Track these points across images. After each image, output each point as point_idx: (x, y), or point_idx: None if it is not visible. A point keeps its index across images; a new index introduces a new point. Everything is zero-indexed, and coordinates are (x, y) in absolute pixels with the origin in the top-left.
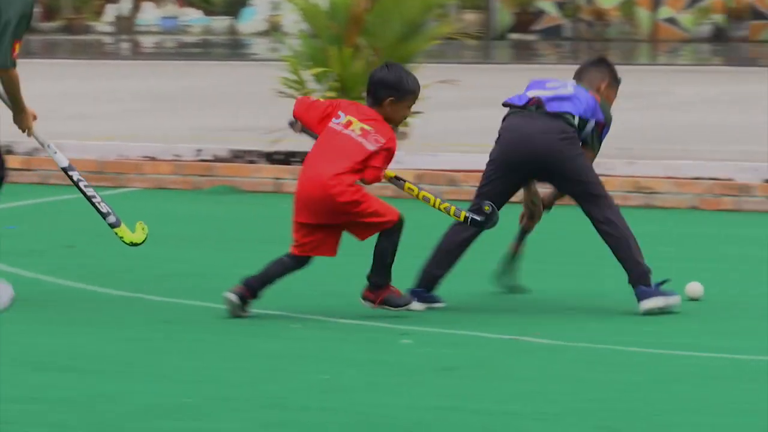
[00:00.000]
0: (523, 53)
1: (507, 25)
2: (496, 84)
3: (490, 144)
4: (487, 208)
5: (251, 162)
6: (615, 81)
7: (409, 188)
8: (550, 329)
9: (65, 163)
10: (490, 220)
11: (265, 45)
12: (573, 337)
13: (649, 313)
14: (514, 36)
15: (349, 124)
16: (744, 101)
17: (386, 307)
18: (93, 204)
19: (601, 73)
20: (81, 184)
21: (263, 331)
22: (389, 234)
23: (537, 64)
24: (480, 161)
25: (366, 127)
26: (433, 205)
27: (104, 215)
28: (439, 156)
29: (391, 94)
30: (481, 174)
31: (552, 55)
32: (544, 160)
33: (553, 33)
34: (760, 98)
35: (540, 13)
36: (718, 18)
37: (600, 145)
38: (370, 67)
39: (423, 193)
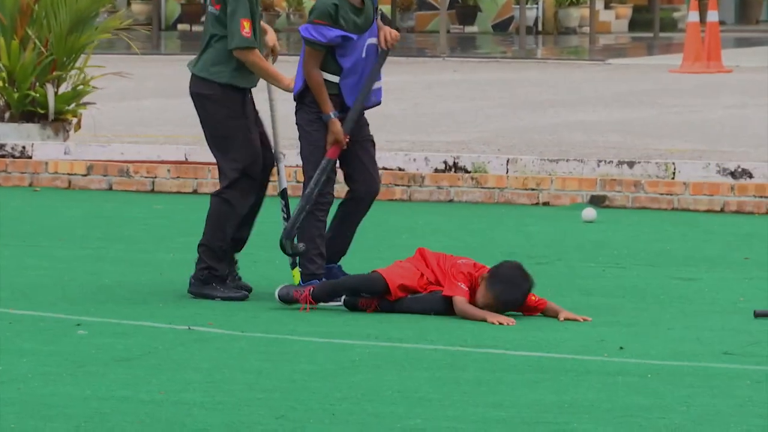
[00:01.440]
0: (192, 44)
1: (175, 15)
2: (164, 74)
3: (161, 134)
4: None
5: None
6: None
7: None
8: (223, 319)
9: (282, 186)
10: None
11: None
12: (246, 326)
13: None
14: (183, 26)
15: None
16: (406, 89)
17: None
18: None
19: None
20: (282, 215)
21: None
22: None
23: None
24: (150, 151)
25: None
26: None
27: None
28: (110, 147)
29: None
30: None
31: None
32: None
33: None
34: (431, 87)
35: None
36: (384, 8)
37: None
38: (40, 59)
39: None
